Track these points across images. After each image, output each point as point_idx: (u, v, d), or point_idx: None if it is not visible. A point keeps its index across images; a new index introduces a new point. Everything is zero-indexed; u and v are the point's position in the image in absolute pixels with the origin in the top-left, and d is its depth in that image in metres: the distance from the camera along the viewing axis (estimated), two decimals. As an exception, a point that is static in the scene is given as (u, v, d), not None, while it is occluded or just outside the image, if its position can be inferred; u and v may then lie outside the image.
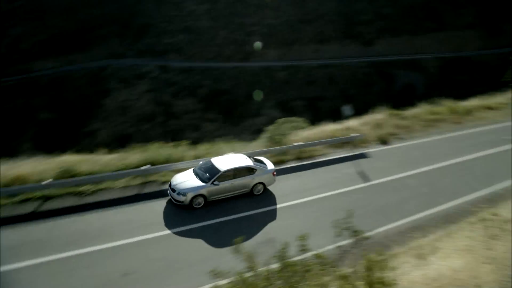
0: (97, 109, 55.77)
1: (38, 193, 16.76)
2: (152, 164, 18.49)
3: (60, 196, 16.88)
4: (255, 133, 36.41)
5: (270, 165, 18.10)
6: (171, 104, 56.63)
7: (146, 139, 33.20)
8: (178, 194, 16.15)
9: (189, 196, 16.03)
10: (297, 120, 28.60)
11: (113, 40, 69.84)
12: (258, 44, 68.61)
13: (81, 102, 57.06)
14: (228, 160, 17.40)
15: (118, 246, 14.09)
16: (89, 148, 25.80)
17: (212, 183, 16.25)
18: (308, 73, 64.67)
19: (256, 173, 17.21)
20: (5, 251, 13.52)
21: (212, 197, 16.49)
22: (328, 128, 26.11)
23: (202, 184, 16.27)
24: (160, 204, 16.69)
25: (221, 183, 16.39)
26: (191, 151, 20.55)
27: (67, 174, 17.51)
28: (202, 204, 16.39)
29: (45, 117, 55.44)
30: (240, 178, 16.85)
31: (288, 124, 27.43)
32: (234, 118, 53.67)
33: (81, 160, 19.54)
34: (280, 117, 32.17)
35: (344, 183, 19.27)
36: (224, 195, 16.77)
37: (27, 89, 60.54)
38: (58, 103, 57.68)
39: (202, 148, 21.20)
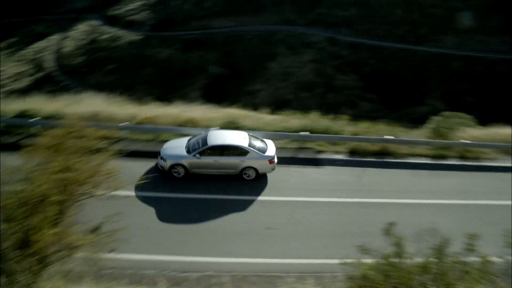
0: (261, 71, 58.39)
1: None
2: (311, 132, 18.80)
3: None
4: (414, 121, 34.27)
5: (271, 151, 16.16)
6: (333, 77, 56.35)
7: (302, 107, 33.84)
8: (161, 158, 15.77)
9: (168, 163, 15.53)
10: (465, 117, 26.15)
11: (287, 6, 71.44)
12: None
13: (248, 62, 60.31)
14: (226, 135, 16.21)
15: (265, 201, 14.91)
16: (249, 106, 27.28)
17: (194, 155, 15.40)
18: (488, 66, 57.88)
19: (248, 156, 15.60)
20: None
21: (194, 170, 15.64)
22: (503, 132, 23.23)
23: (184, 154, 15.57)
24: (311, 171, 17.02)
25: (203, 157, 15.39)
26: (349, 127, 20.34)
27: (232, 125, 18.88)
28: (182, 174, 15.68)
29: (215, 71, 60.13)
30: (227, 157, 15.55)
31: (455, 119, 25.27)
32: (394, 102, 51.22)
33: (245, 115, 20.88)
34: (445, 110, 29.72)
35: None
36: (207, 171, 15.78)
37: (204, 44, 66.10)
38: (227, 60, 61.90)
39: (361, 126, 20.79)
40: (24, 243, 6.63)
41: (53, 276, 7.57)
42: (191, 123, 19.13)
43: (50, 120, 19.02)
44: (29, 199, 6.92)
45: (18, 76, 64.36)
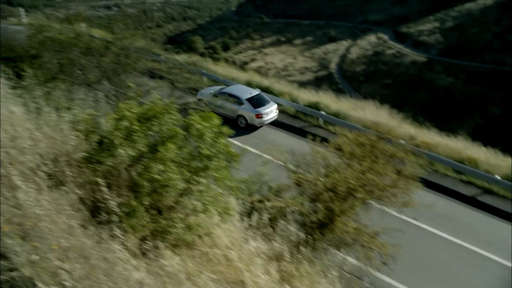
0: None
1: (481, 182, 16.84)
2: None
3: (502, 196, 16.35)
4: None
5: (261, 110, 19.10)
6: None
7: None
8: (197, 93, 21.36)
9: (198, 97, 20.86)
10: None
11: None
12: None
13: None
14: (238, 88, 20.82)
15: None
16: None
17: (211, 96, 20.14)
18: None
19: (242, 106, 19.26)
20: (436, 216, 14.37)
21: (210, 107, 18.28)
22: None
23: (208, 93, 20.61)
24: None
25: (215, 98, 19.85)
26: None
27: (516, 179, 16.64)
28: None
29: (495, 112, 54.02)
30: (229, 103, 19.58)
31: None
32: None
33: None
34: None
35: None
36: (217, 110, 18.63)
37: (491, 80, 60.06)
38: (513, 103, 54.62)
39: None
40: (322, 224, 7.36)
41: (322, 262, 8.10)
42: (470, 163, 17.65)
43: (335, 117, 20.58)
44: (335, 187, 7.58)
45: (304, 70, 72.09)
